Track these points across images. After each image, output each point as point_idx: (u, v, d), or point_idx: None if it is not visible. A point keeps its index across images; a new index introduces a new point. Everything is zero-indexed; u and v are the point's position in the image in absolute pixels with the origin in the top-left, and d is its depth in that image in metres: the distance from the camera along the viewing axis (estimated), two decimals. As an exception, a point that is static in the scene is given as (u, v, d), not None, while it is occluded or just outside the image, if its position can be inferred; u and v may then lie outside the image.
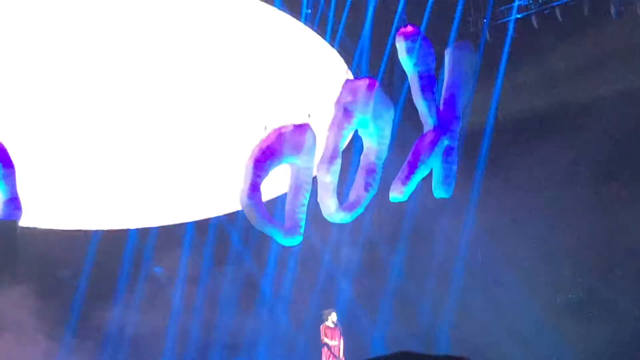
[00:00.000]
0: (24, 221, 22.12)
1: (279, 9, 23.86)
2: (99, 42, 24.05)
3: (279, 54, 24.16)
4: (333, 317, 21.87)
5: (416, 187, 23.26)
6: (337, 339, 21.80)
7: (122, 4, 23.75)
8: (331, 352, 21.59)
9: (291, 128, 23.07)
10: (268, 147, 22.84)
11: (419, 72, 23.00)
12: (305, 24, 24.29)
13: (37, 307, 20.35)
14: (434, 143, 23.05)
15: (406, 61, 23.05)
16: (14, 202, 21.49)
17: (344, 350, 21.72)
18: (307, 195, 22.98)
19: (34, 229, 22.96)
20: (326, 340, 21.68)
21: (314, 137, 22.96)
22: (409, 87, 23.37)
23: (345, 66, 24.56)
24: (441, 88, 23.39)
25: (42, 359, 20.19)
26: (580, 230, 22.52)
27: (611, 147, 22.48)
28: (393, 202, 23.46)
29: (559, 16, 23.26)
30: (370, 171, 23.36)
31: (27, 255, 21.38)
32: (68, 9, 23.53)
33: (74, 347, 21.27)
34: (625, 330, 22.39)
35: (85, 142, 24.21)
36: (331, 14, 24.27)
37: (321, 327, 21.83)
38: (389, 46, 23.83)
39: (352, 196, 23.31)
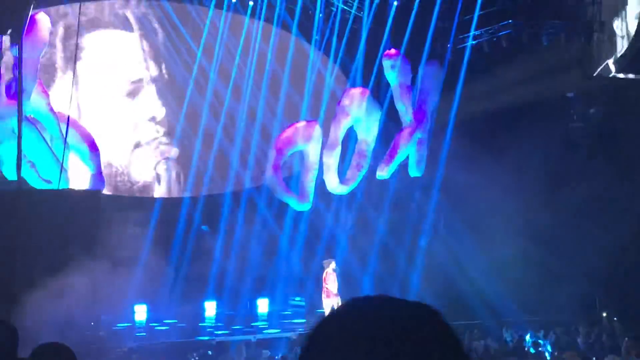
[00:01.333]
0: (106, 190, 23.18)
1: (296, 36, 24.76)
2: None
3: (297, 69, 25.03)
4: (332, 265, 21.36)
5: (396, 168, 24.23)
6: (334, 281, 21.12)
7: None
8: (329, 291, 21.03)
9: (304, 124, 24.10)
10: (287, 138, 23.87)
11: (399, 83, 24.03)
12: (315, 46, 25.14)
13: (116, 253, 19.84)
14: (410, 135, 23.97)
15: (390, 75, 24.11)
16: (98, 176, 22.43)
17: (338, 289, 21.06)
18: (315, 173, 24.16)
19: (113, 195, 23.93)
20: (327, 283, 21.10)
21: (320, 130, 24.08)
22: (392, 94, 24.32)
23: (344, 78, 25.38)
24: (415, 95, 24.09)
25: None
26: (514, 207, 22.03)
27: (546, 139, 22.00)
28: (379, 179, 24.41)
29: (504, 43, 23.33)
30: (362, 156, 24.42)
31: (108, 214, 21.35)
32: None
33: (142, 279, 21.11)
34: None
35: (153, 135, 25.04)
36: (334, 40, 24.88)
37: (324, 272, 21.33)
38: (377, 63, 24.40)
39: (348, 174, 24.38)
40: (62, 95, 22.36)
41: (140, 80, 25.01)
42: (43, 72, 22.34)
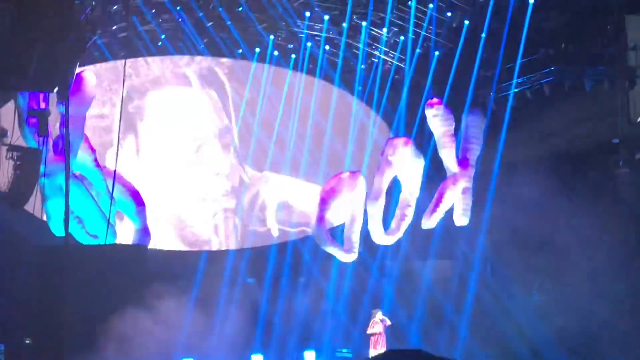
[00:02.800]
0: (152, 244, 23.19)
1: (338, 87, 24.84)
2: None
3: (340, 120, 25.09)
4: (379, 315, 21.44)
5: (441, 217, 23.89)
6: (382, 331, 21.19)
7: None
8: (377, 341, 21.13)
9: (347, 174, 23.98)
10: (331, 189, 23.73)
11: (442, 132, 23.78)
12: (357, 97, 25.19)
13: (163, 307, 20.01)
14: (454, 184, 23.74)
15: (433, 124, 23.88)
16: (144, 231, 22.49)
17: (385, 340, 21.25)
18: (360, 224, 23.85)
19: (159, 250, 23.90)
20: (374, 331, 21.24)
21: (364, 181, 23.95)
22: (435, 143, 24.10)
23: (387, 128, 25.39)
24: (459, 143, 23.86)
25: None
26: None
27: (592, 186, 21.97)
28: (424, 229, 24.07)
29: (546, 90, 23.18)
30: (406, 206, 24.11)
31: (154, 269, 21.28)
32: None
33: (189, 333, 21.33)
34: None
35: (194, 188, 25.18)
36: (376, 90, 24.93)
37: (370, 322, 21.42)
38: (419, 113, 24.35)
39: (393, 225, 24.09)
40: (124, 154, 23.11)
41: (203, 136, 25.26)
42: (104, 132, 22.65)
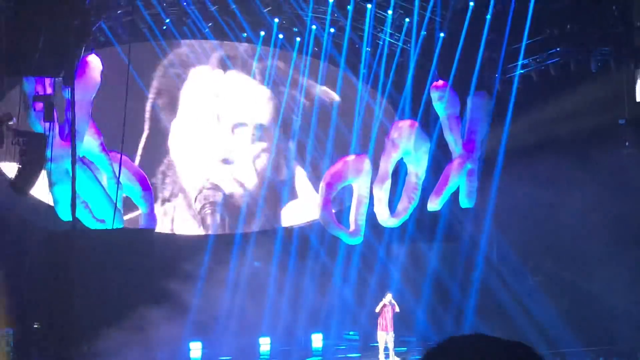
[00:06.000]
0: (158, 228, 23.29)
1: (343, 70, 24.87)
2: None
3: (345, 103, 25.12)
4: (389, 297, 21.31)
5: (447, 200, 23.98)
6: (390, 313, 21.15)
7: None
8: (384, 323, 21.08)
9: (353, 157, 24.04)
10: (336, 172, 23.81)
11: (447, 114, 23.88)
12: (363, 80, 25.17)
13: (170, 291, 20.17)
14: (460, 166, 23.76)
15: (438, 106, 23.98)
16: (151, 215, 22.59)
17: (392, 322, 21.19)
18: (366, 206, 23.98)
19: (166, 234, 24.15)
20: (382, 315, 21.12)
21: (370, 164, 24.01)
22: (441, 125, 24.18)
23: (392, 111, 25.34)
24: (464, 126, 23.91)
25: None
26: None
27: (598, 167, 21.31)
28: (430, 211, 24.19)
29: (552, 71, 23.21)
30: (413, 188, 24.22)
31: (160, 253, 21.15)
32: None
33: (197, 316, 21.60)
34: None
35: (202, 174, 25.23)
36: (381, 73, 24.89)
37: (380, 304, 21.24)
38: (425, 95, 24.29)
39: (399, 207, 24.20)
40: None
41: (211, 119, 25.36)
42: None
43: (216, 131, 25.13)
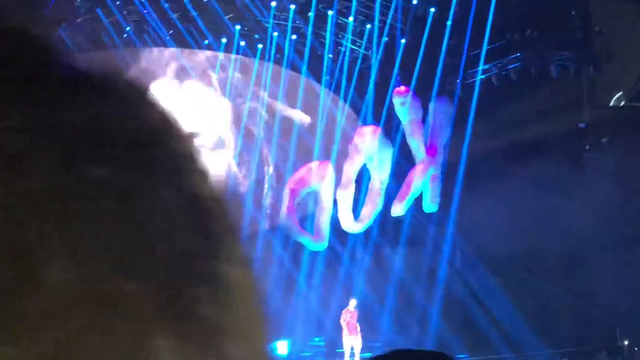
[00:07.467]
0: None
1: (306, 76, 24.77)
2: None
3: (308, 109, 25.02)
4: (352, 303, 21.02)
5: (410, 205, 23.93)
6: (354, 319, 20.83)
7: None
8: (349, 329, 20.77)
9: (317, 163, 23.99)
10: (300, 178, 23.76)
11: (410, 119, 23.88)
12: (325, 86, 25.13)
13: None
14: (423, 171, 23.75)
15: (400, 112, 23.96)
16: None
17: (358, 327, 20.81)
18: (330, 212, 24.02)
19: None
20: (346, 321, 20.84)
21: (333, 170, 24.00)
22: (403, 131, 24.19)
23: (355, 117, 25.28)
24: (427, 131, 23.91)
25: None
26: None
27: (553, 172, 21.70)
28: (394, 217, 24.17)
29: (513, 76, 23.36)
30: (376, 194, 24.25)
31: None
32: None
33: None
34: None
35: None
36: (344, 79, 24.87)
37: (344, 310, 21.03)
38: (387, 101, 24.33)
39: (363, 212, 24.21)
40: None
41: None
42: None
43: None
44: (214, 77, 24.85)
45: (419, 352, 2.42)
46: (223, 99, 25.06)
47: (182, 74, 24.98)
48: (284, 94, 24.69)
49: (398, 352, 2.42)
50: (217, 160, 25.07)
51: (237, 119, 24.94)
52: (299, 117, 25.15)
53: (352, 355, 21.25)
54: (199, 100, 24.86)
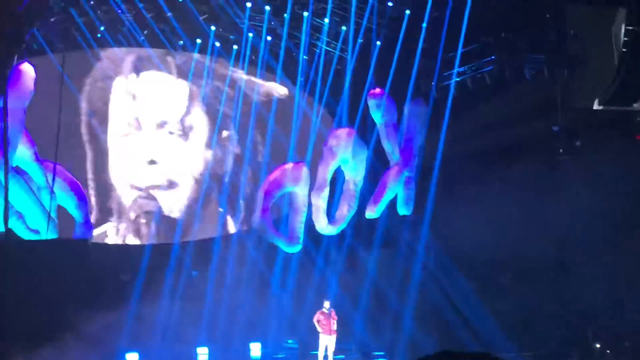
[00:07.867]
0: (94, 239, 22.94)
1: (280, 78, 24.73)
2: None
3: (282, 111, 24.97)
4: (326, 305, 21.08)
5: (385, 207, 24.01)
6: (329, 320, 20.83)
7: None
8: (323, 331, 20.82)
9: (291, 165, 23.95)
10: (274, 180, 23.72)
11: (384, 122, 23.96)
12: (300, 88, 25.05)
13: (105, 301, 20.16)
14: (397, 174, 23.81)
15: (375, 114, 24.04)
16: (86, 224, 22.24)
17: (334, 327, 20.87)
18: (304, 214, 23.97)
19: (101, 244, 23.64)
20: (319, 320, 20.90)
21: (308, 172, 23.95)
22: (378, 133, 24.24)
23: (330, 119, 25.23)
24: (402, 133, 23.95)
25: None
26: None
27: (528, 177, 21.76)
28: (368, 219, 24.21)
29: (487, 79, 23.34)
30: (351, 196, 24.27)
31: (96, 263, 21.11)
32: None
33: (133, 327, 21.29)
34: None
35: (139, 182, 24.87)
36: (318, 81, 24.77)
37: (318, 311, 21.06)
38: (362, 103, 24.32)
39: (337, 215, 24.24)
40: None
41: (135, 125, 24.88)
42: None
43: (141, 136, 24.77)
44: (189, 77, 24.76)
45: (466, 355, 2.37)
46: (185, 83, 24.92)
47: (140, 65, 24.84)
48: (258, 96, 24.73)
49: (443, 355, 2.39)
50: (190, 148, 25.02)
51: (212, 123, 24.88)
52: (275, 89, 25.15)
53: (326, 357, 21.23)
54: (162, 88, 24.80)
